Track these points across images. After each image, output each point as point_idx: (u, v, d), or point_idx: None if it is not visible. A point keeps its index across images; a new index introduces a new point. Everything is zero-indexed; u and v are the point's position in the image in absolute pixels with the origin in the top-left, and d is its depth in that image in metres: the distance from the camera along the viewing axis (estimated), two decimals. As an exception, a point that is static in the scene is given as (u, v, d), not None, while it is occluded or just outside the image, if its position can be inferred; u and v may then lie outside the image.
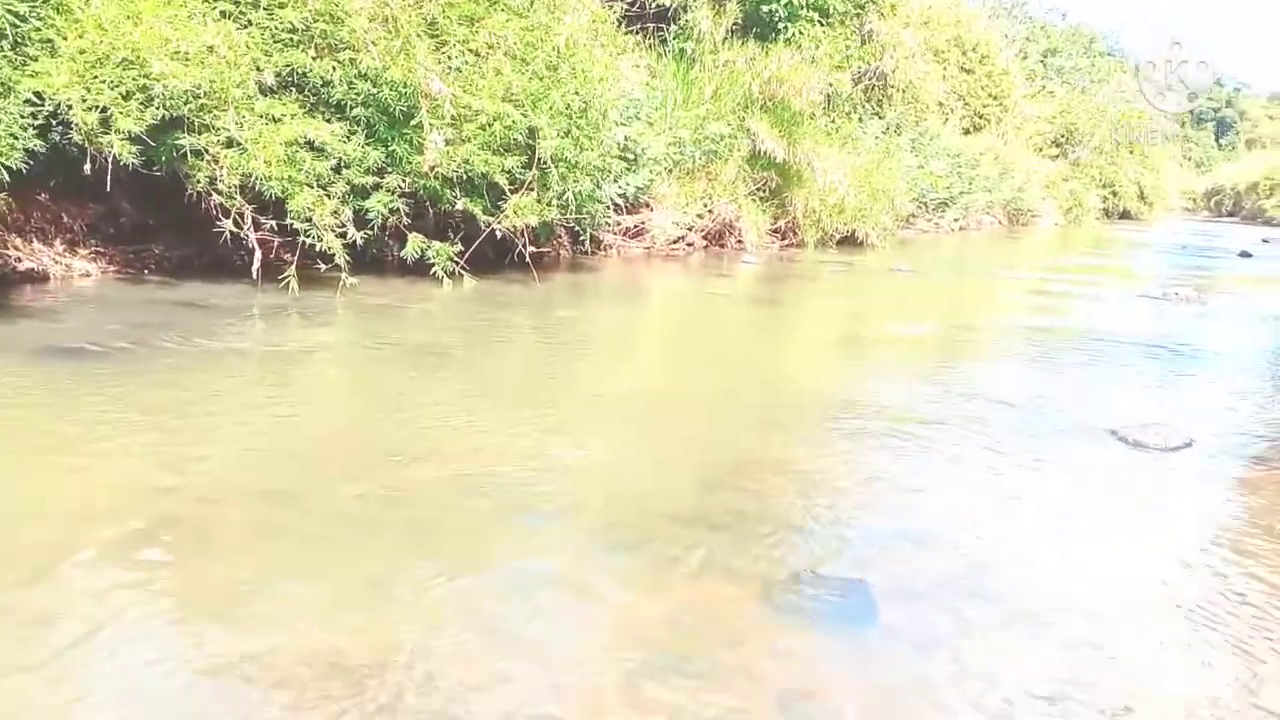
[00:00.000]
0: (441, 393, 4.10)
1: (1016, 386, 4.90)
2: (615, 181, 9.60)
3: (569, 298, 7.14)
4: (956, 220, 20.49)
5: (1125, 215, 40.34)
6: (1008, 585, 2.42)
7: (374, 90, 6.18)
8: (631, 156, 9.92)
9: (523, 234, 7.09)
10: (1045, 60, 39.89)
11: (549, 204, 7.15)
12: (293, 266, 5.76)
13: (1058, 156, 32.09)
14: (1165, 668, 2.12)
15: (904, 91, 20.24)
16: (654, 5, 12.60)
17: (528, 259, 7.07)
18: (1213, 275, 14.06)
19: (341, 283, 5.83)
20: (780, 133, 12.07)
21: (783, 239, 12.87)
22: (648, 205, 10.63)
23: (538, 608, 2.13)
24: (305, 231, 5.74)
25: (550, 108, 6.97)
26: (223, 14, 5.83)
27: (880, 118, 18.61)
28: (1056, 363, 5.74)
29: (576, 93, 7.25)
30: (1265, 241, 26.66)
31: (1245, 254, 19.21)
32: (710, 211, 11.58)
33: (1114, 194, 38.24)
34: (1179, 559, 2.73)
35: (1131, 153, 40.63)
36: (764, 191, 12.40)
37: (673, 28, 12.64)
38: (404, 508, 2.66)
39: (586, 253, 9.47)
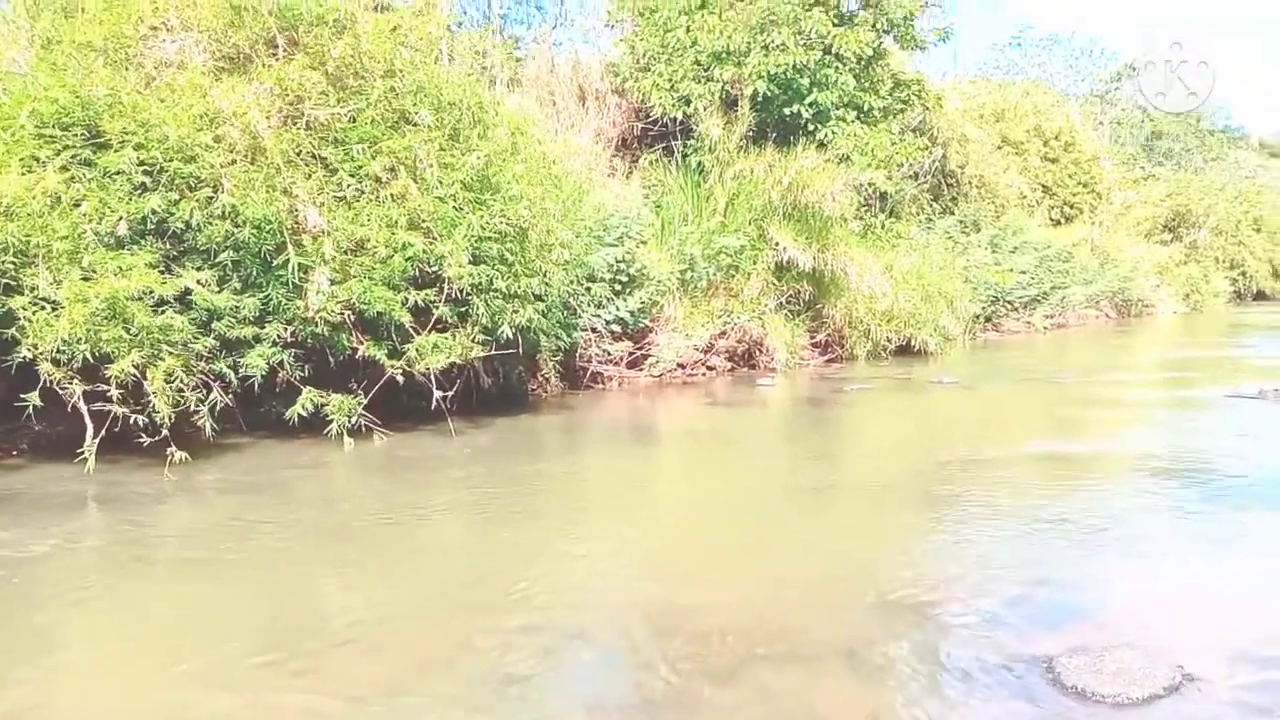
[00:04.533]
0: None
1: (953, 578, 3.38)
2: (600, 308, 8.67)
3: (491, 454, 5.98)
4: (1050, 317, 18.73)
5: (1260, 295, 37.24)
6: None
7: (234, 230, 5.41)
8: (625, 279, 9.00)
9: (440, 377, 6.12)
10: (1151, 143, 37.92)
11: (472, 340, 6.18)
12: (94, 440, 4.90)
13: (1171, 241, 29.78)
14: None
15: (978, 187, 18.99)
16: (670, 120, 11.89)
17: (443, 406, 6.05)
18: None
19: (169, 458, 4.92)
20: (807, 239, 10.97)
21: (824, 352, 11.60)
22: (651, 329, 9.61)
23: None
24: (123, 399, 4.88)
25: (467, 233, 6.08)
26: (63, 167, 5.19)
27: (952, 214, 17.35)
28: (1037, 524, 4.10)
29: (503, 215, 6.36)
30: None
31: (1391, 331, 16.84)
32: (734, 329, 10.48)
33: (1243, 274, 35.36)
34: None
35: (1259, 230, 37.90)
36: (796, 304, 11.23)
37: (691, 141, 11.85)
38: None
39: (565, 389, 8.45)
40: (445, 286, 6.01)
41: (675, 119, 11.83)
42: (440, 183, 6.13)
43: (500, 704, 2.39)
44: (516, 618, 2.99)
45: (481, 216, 6.20)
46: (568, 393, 8.55)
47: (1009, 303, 17.32)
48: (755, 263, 10.75)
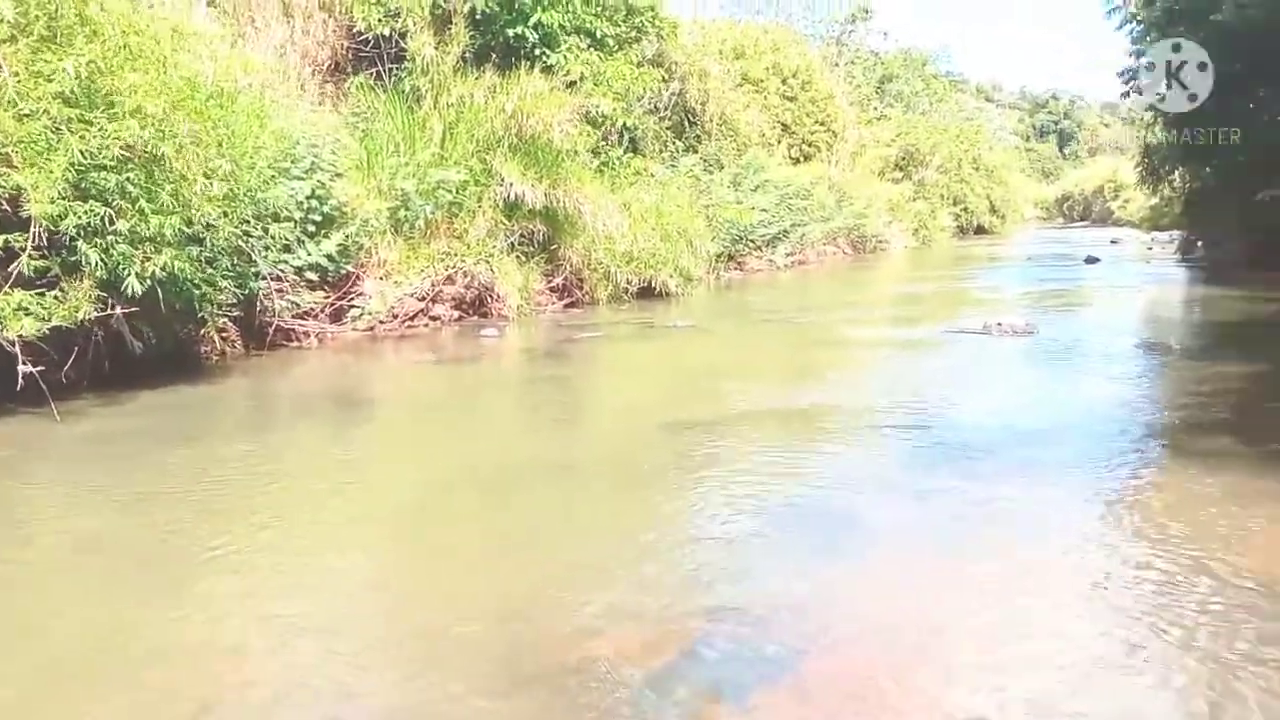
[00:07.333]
0: None
1: (636, 613, 2.54)
2: (287, 252, 7.40)
3: (119, 441, 4.68)
4: (791, 255, 18.86)
5: (980, 230, 40.00)
6: None
7: None
8: (319, 218, 7.74)
9: (46, 345, 4.77)
10: (883, 86, 39.55)
11: (83, 298, 4.85)
12: None
13: (902, 179, 31.21)
14: None
15: (721, 125, 18.69)
16: (382, 40, 10.55)
17: (40, 382, 4.71)
18: (1053, 290, 12.59)
19: None
20: (537, 174, 10.05)
21: (563, 297, 10.80)
22: (358, 276, 8.42)
23: None
24: None
25: (66, 160, 4.71)
26: None
27: (696, 152, 16.93)
28: (757, 511, 3.39)
29: (118, 136, 5.00)
30: (1114, 242, 26.15)
31: (1092, 259, 18.14)
32: (460, 274, 9.44)
33: (965, 210, 37.81)
34: None
35: (977, 169, 40.57)
36: (530, 245, 10.32)
37: (404, 64, 10.58)
38: None
39: (250, 350, 7.17)
40: (36, 229, 4.64)
41: (387, 37, 10.52)
42: (24, 96, 4.71)
43: None
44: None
45: (87, 140, 4.83)
46: (253, 354, 7.26)
47: (751, 241, 17.21)
48: (481, 200, 9.73)
